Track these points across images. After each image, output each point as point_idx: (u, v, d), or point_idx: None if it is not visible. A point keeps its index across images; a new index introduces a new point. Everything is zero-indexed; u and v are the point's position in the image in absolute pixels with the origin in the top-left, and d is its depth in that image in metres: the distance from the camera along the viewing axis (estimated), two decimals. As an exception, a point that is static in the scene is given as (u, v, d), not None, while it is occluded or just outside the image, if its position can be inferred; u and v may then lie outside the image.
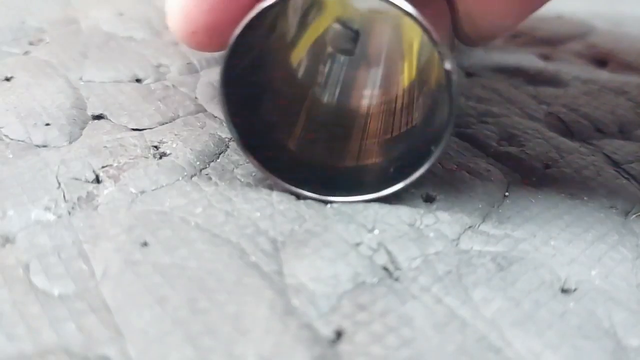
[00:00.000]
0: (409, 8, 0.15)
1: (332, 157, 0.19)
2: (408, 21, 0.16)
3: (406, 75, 0.22)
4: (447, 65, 0.16)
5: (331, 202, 0.18)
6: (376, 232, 0.17)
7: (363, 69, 0.23)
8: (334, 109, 0.21)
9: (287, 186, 0.18)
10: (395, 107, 0.21)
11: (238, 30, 0.16)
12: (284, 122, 0.20)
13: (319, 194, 0.18)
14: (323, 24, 0.23)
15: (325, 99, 0.22)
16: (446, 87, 0.16)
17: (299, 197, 0.18)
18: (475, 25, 0.17)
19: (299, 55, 0.22)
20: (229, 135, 0.21)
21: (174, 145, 0.20)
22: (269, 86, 0.20)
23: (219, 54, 0.18)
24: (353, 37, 0.22)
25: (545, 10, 0.36)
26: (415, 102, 0.21)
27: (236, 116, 0.17)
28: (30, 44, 0.26)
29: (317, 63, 0.22)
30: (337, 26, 0.22)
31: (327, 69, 0.22)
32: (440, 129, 0.17)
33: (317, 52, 0.22)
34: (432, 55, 0.20)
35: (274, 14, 0.19)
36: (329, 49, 0.22)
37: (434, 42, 0.16)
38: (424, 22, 0.16)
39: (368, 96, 0.22)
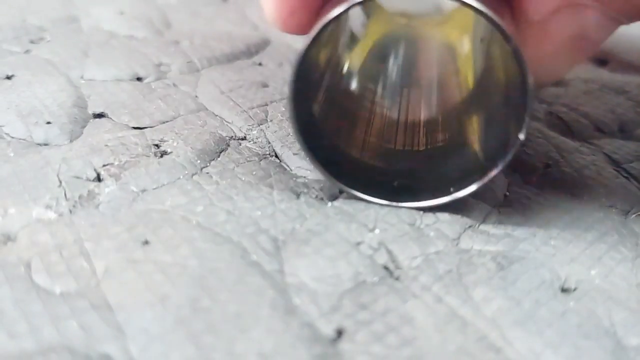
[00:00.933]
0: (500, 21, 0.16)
1: (339, 138, 0.20)
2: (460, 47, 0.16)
3: (428, 96, 0.23)
4: (529, 86, 0.16)
5: (341, 190, 0.18)
6: (377, 231, 0.17)
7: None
8: (348, 91, 0.22)
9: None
10: (398, 120, 0.21)
11: (326, 20, 0.16)
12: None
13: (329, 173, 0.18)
14: (372, 36, 0.23)
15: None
16: (519, 117, 0.16)
17: (299, 195, 0.18)
18: (534, 78, 0.18)
19: (353, 65, 0.22)
20: (230, 134, 0.21)
21: (175, 144, 0.20)
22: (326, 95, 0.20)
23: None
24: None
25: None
26: (426, 126, 0.21)
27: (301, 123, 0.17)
28: (32, 42, 0.26)
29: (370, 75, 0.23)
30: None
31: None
32: (460, 168, 0.18)
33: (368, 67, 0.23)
34: (487, 87, 0.20)
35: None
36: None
37: (519, 58, 0.16)
38: (506, 29, 0.16)
39: (374, 94, 0.22)
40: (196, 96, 0.23)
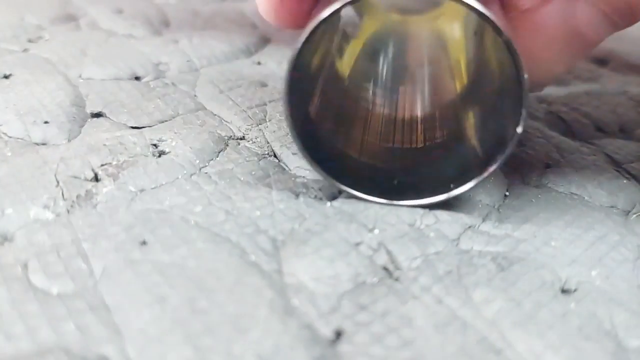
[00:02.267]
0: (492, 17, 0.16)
1: (336, 138, 0.19)
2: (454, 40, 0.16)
3: (424, 92, 0.23)
4: (524, 81, 0.16)
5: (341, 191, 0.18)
6: (376, 231, 0.17)
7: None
8: (343, 91, 0.22)
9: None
10: (396, 118, 0.21)
11: (319, 18, 0.16)
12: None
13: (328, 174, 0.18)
14: (365, 34, 0.23)
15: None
16: (514, 112, 0.16)
17: (298, 195, 0.18)
18: (529, 74, 0.18)
19: (347, 65, 0.22)
20: (229, 134, 0.21)
21: (174, 144, 0.20)
22: (323, 96, 0.20)
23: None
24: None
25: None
26: (423, 123, 0.21)
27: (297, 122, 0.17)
28: (30, 41, 0.26)
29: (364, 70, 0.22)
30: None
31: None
32: (463, 165, 0.18)
33: (363, 62, 0.23)
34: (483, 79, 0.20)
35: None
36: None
37: (516, 62, 0.16)
38: (505, 31, 0.16)
39: (370, 93, 0.22)
40: (195, 95, 0.23)
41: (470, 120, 0.20)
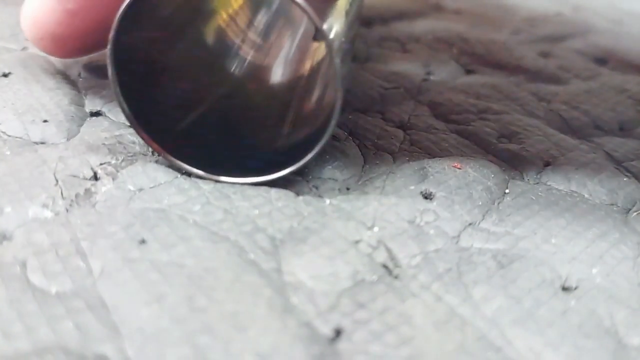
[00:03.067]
0: None
1: (265, 137, 0.19)
2: None
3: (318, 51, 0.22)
4: (323, 26, 0.15)
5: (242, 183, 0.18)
6: (375, 229, 0.17)
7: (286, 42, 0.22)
8: (260, 89, 0.21)
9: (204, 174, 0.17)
10: (316, 80, 0.20)
11: (112, 32, 0.16)
12: (193, 108, 0.19)
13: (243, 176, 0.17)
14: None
15: (242, 75, 0.21)
16: (326, 50, 0.16)
17: (297, 193, 0.18)
18: None
19: (211, 29, 0.21)
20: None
21: (173, 142, 0.20)
22: (174, 64, 0.19)
23: None
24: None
25: (545, 8, 0.36)
26: (285, 96, 0.20)
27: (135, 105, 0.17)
28: (28, 39, 0.26)
29: (231, 38, 0.21)
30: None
31: (242, 42, 0.22)
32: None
33: (231, 28, 0.22)
34: None
35: None
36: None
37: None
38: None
39: (294, 71, 0.21)
40: (194, 94, 0.23)
41: (319, 91, 0.20)
